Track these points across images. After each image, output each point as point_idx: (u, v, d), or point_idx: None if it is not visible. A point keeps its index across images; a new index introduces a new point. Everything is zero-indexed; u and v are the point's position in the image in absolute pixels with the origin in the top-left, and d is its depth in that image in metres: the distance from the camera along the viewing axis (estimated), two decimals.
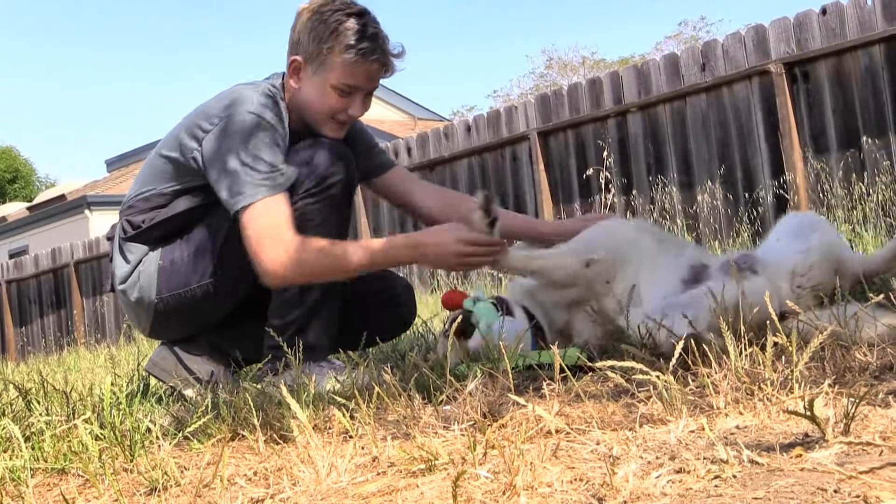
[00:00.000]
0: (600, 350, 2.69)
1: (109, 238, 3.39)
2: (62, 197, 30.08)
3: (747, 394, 1.89)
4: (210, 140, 3.04)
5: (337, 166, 3.10)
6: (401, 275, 3.59)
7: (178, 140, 3.13)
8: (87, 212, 26.66)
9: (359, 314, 3.33)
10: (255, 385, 2.67)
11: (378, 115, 25.98)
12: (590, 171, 9.04)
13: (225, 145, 3.01)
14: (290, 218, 2.96)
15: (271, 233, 2.93)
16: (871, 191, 7.22)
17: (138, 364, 3.67)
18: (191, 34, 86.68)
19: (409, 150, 10.84)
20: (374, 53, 3.05)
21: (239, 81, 3.25)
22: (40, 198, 34.00)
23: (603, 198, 8.85)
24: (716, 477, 1.41)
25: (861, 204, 7.25)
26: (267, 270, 2.94)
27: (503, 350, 2.45)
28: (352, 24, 3.03)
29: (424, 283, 10.45)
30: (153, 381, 3.44)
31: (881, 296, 2.34)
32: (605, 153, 8.92)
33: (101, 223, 25.13)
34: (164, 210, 3.18)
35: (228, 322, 3.21)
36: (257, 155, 2.97)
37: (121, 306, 3.42)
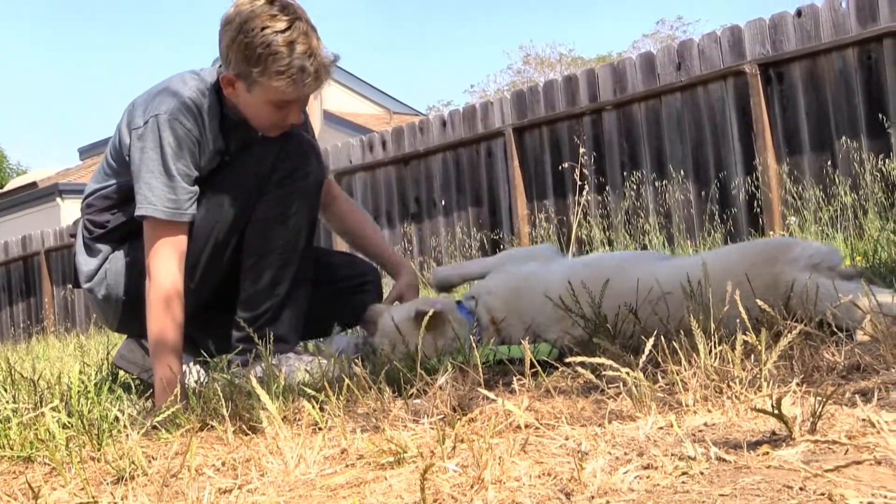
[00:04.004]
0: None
1: (73, 235, 3.39)
2: (33, 184, 29.83)
3: (716, 392, 1.90)
4: (134, 143, 3.05)
5: (307, 159, 3.14)
6: (368, 261, 3.61)
7: (120, 134, 3.13)
8: (58, 200, 26.45)
9: (329, 299, 3.36)
10: (224, 376, 2.66)
11: (353, 108, 25.91)
12: (565, 165, 9.05)
13: (139, 154, 3.03)
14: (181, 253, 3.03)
15: (163, 253, 3.00)
16: (842, 192, 7.27)
17: (108, 353, 3.66)
18: (167, 17, 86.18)
19: (383, 144, 10.83)
20: (306, 76, 2.93)
21: (188, 69, 3.22)
22: (11, 185, 33.72)
23: (577, 195, 8.86)
24: (683, 473, 1.41)
25: (832, 206, 7.30)
26: (151, 276, 2.98)
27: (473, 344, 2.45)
28: (280, 44, 2.87)
29: None
30: (122, 372, 3.42)
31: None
32: (580, 150, 8.94)
33: (72, 211, 24.92)
34: (126, 209, 3.16)
35: (198, 314, 3.20)
36: (165, 169, 3.00)
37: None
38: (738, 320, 2.17)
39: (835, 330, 2.37)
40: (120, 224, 3.19)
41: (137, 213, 3.00)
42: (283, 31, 2.89)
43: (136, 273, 3.16)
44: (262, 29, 2.87)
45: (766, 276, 2.67)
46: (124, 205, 3.16)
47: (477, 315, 3.06)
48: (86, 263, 3.28)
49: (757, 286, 2.56)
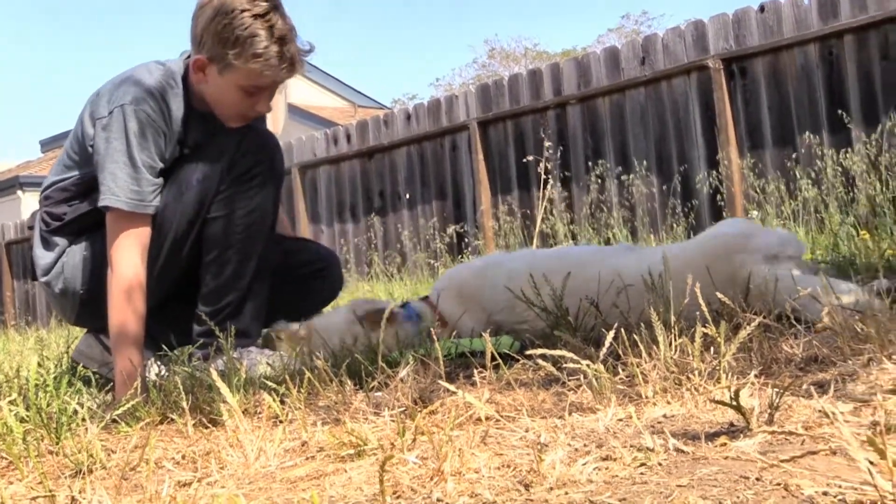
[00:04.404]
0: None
1: (30, 227, 3.36)
2: None
3: (676, 384, 1.91)
4: (98, 133, 3.01)
5: (268, 153, 3.12)
6: (325, 246, 3.61)
7: (82, 125, 3.10)
8: (19, 192, 26.17)
9: (287, 286, 3.36)
10: (185, 369, 2.65)
11: (318, 101, 25.82)
12: (529, 158, 9.05)
13: (104, 144, 2.99)
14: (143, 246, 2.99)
15: (126, 244, 2.96)
16: (804, 186, 7.33)
17: (68, 347, 3.63)
18: (131, 6, 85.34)
19: (348, 137, 10.80)
20: (283, 61, 2.96)
21: (153, 60, 3.20)
22: None
23: (541, 189, 8.88)
24: (641, 465, 1.42)
25: (794, 200, 7.36)
26: (113, 267, 2.95)
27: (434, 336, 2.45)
28: (258, 28, 2.90)
29: (361, 272, 10.45)
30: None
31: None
32: (545, 144, 8.95)
33: (33, 204, 24.65)
34: (84, 201, 3.13)
35: (157, 307, 3.18)
36: (130, 160, 2.97)
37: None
38: (697, 313, 2.18)
39: (793, 322, 2.39)
40: (77, 216, 3.16)
41: (101, 203, 2.97)
42: (262, 16, 2.91)
43: (94, 267, 3.13)
44: (242, 12, 2.90)
45: (726, 267, 2.69)
46: (82, 197, 3.13)
47: (422, 314, 3.07)
48: (42, 257, 3.25)
49: (717, 278, 2.58)
